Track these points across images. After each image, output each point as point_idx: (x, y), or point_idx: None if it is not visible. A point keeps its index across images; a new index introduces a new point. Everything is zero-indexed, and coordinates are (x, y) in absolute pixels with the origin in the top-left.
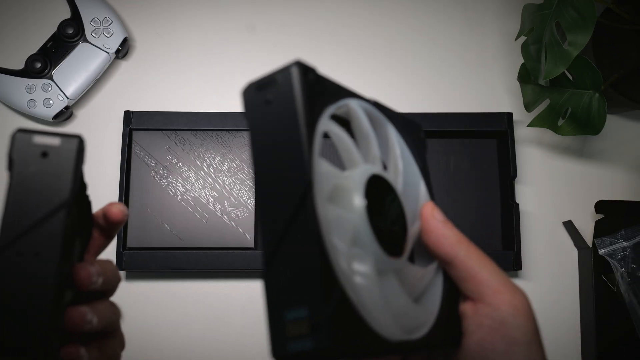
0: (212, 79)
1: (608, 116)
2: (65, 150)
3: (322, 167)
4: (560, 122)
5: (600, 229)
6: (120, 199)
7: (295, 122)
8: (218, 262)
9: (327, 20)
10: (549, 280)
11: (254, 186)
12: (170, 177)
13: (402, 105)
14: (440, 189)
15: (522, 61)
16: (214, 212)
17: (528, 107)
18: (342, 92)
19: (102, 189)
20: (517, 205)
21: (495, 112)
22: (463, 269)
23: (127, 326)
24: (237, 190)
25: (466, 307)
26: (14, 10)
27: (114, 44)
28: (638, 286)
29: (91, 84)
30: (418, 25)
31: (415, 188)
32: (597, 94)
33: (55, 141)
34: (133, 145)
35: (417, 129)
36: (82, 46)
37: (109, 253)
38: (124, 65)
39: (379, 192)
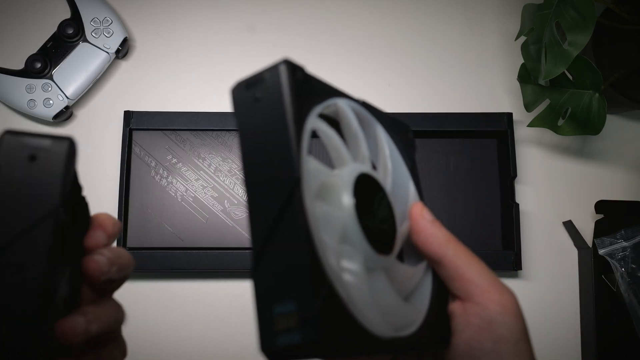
0: (212, 79)
1: (608, 116)
2: (55, 154)
3: (311, 165)
4: (560, 122)
5: (600, 229)
6: (120, 199)
7: (284, 119)
8: (218, 262)
9: (327, 20)
10: (549, 280)
11: (244, 185)
12: (170, 177)
13: (402, 105)
14: (440, 189)
15: (522, 61)
16: (214, 212)
17: (528, 107)
18: (331, 92)
19: (102, 189)
20: (517, 205)
21: (495, 112)
22: (451, 268)
23: (127, 326)
24: (237, 190)
25: (455, 307)
26: (14, 10)
27: (114, 44)
28: (638, 286)
29: (91, 84)
30: (418, 25)
31: (404, 188)
32: (597, 94)
33: (45, 143)
34: (133, 145)
35: (406, 130)
36: (82, 46)
37: None
38: (124, 65)
39: (368, 190)
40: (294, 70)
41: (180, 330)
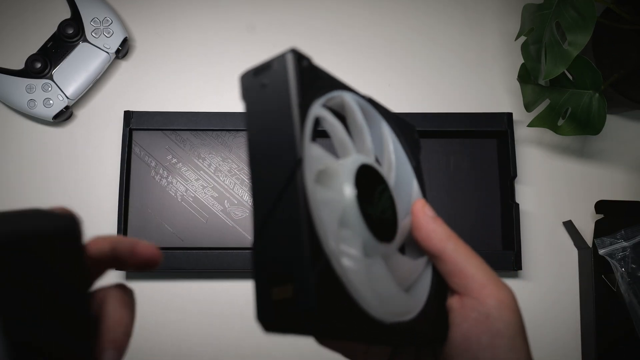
0: (212, 79)
1: (608, 116)
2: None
3: (314, 151)
4: (560, 122)
5: (600, 229)
6: (120, 199)
7: (288, 102)
8: (218, 262)
9: (327, 20)
10: (549, 280)
11: (248, 166)
12: (170, 177)
13: (402, 105)
14: (440, 189)
15: (522, 61)
16: (214, 212)
17: (528, 107)
18: (337, 84)
19: (102, 189)
20: (517, 205)
21: (495, 112)
22: (451, 263)
23: None
24: (237, 190)
25: (453, 301)
26: (14, 10)
27: (114, 44)
28: (638, 286)
29: (91, 84)
30: (418, 25)
31: (407, 185)
32: (597, 94)
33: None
34: (133, 145)
35: (411, 130)
36: (82, 46)
37: None
38: (124, 65)
39: (370, 181)
40: (300, 58)
41: (180, 330)
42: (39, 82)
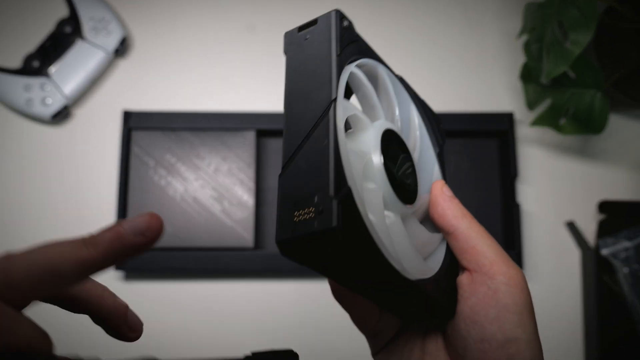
0: (211, 78)
1: (610, 115)
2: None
3: (346, 103)
4: (562, 121)
5: (603, 229)
6: (119, 199)
7: (328, 49)
8: (217, 262)
9: None
10: (551, 281)
11: (284, 109)
12: (169, 177)
13: None
14: None
15: (523, 60)
16: (213, 212)
17: (530, 106)
18: (373, 54)
19: (101, 188)
20: (519, 205)
21: (497, 112)
22: (463, 240)
23: None
24: (237, 190)
25: (463, 278)
26: (11, 8)
27: (112, 42)
28: None
29: (90, 83)
30: (418, 25)
31: (430, 168)
32: (599, 93)
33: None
34: (132, 145)
35: (437, 120)
36: (80, 45)
37: None
38: (123, 64)
39: (395, 146)
40: (342, 18)
41: (179, 330)
42: (36, 81)
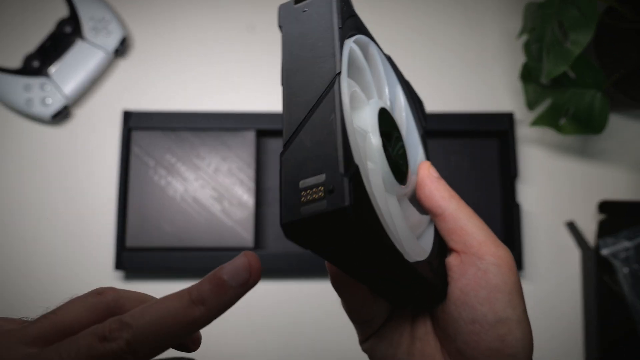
0: (212, 78)
1: (610, 115)
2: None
3: (348, 79)
4: (562, 121)
5: (603, 229)
6: (119, 199)
7: (330, 22)
8: (217, 262)
9: None
10: (551, 281)
11: (282, 84)
12: (169, 177)
13: None
14: None
15: (523, 60)
16: (213, 213)
17: (530, 106)
18: (365, 31)
19: (101, 189)
20: (519, 205)
21: (497, 112)
22: (451, 221)
23: None
24: (237, 190)
25: (451, 259)
26: (11, 9)
27: (112, 42)
28: None
29: (90, 83)
30: (418, 25)
31: (415, 147)
32: (599, 93)
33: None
34: (132, 145)
35: (420, 102)
36: (80, 45)
37: (108, 253)
38: (123, 64)
39: (389, 125)
40: None
41: None
42: (36, 81)
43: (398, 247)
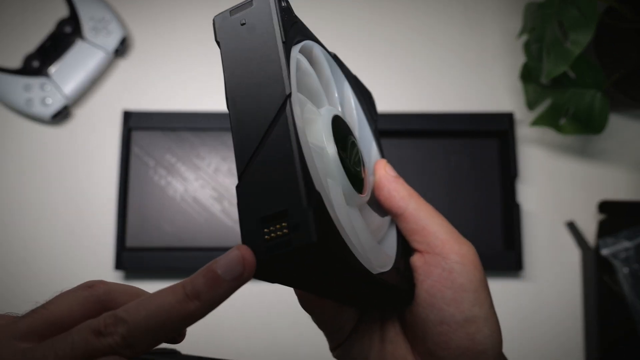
0: (211, 78)
1: (610, 115)
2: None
3: (299, 96)
4: (562, 121)
5: (603, 229)
6: (119, 199)
7: (273, 38)
8: None
9: (326, 20)
10: (551, 281)
11: (228, 108)
12: (169, 177)
13: (402, 104)
14: (441, 189)
15: (523, 60)
16: (213, 213)
17: (530, 106)
18: (309, 34)
19: (101, 189)
20: (519, 205)
21: (497, 112)
22: (412, 221)
23: None
24: None
25: (415, 259)
26: (11, 8)
27: (112, 42)
28: None
29: (90, 83)
30: (418, 25)
31: (368, 144)
32: (599, 93)
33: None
34: (132, 145)
35: (369, 95)
36: (80, 45)
37: (108, 253)
38: (123, 64)
39: (343, 133)
40: None
41: None
42: (36, 81)
43: (366, 265)
